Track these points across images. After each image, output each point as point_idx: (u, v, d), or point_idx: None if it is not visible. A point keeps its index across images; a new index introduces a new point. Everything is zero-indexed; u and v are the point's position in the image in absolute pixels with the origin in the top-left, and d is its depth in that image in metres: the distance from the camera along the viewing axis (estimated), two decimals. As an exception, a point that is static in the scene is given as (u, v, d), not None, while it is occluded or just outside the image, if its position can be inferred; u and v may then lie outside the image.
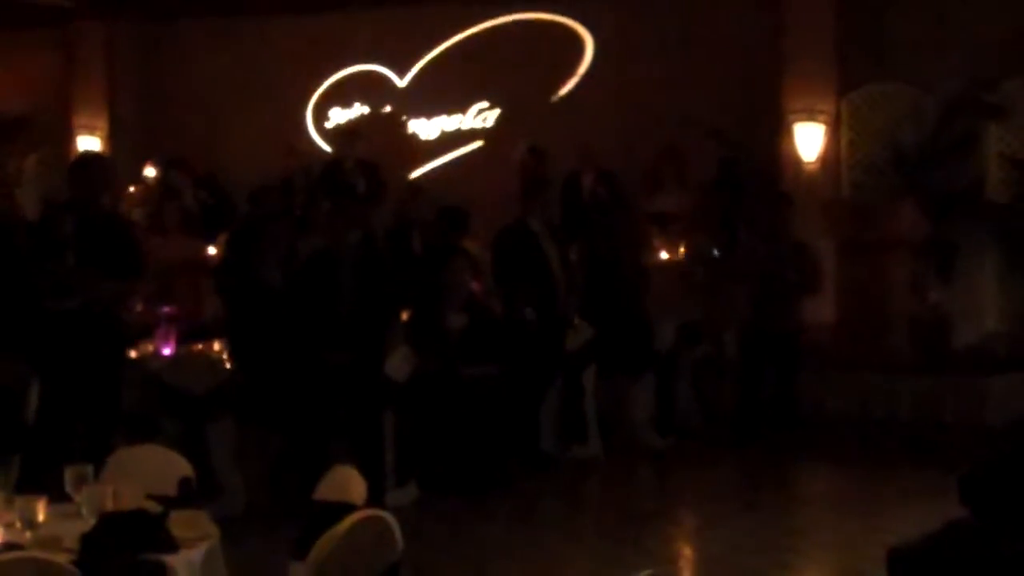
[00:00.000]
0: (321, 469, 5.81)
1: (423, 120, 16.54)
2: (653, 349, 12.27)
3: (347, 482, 5.64)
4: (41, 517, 4.99)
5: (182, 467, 5.83)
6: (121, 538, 4.81)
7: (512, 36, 16.18)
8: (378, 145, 15.44)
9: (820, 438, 12.46)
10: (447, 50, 16.49)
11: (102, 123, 17.51)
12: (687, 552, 9.02)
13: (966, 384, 12.49)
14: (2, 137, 16.62)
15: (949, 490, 6.17)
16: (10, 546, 4.83)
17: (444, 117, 16.50)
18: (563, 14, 15.95)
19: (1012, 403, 12.10)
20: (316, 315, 10.03)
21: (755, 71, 14.70)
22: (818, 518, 10.13)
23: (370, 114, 16.68)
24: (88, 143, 17.20)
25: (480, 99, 16.29)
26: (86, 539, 4.83)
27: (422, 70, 16.59)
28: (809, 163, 14.57)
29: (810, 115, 14.55)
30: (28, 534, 4.94)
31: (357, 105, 16.80)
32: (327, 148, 16.57)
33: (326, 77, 16.87)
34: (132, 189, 15.23)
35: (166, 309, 10.20)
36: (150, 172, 15.46)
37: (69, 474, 5.26)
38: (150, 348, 10.07)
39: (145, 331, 10.15)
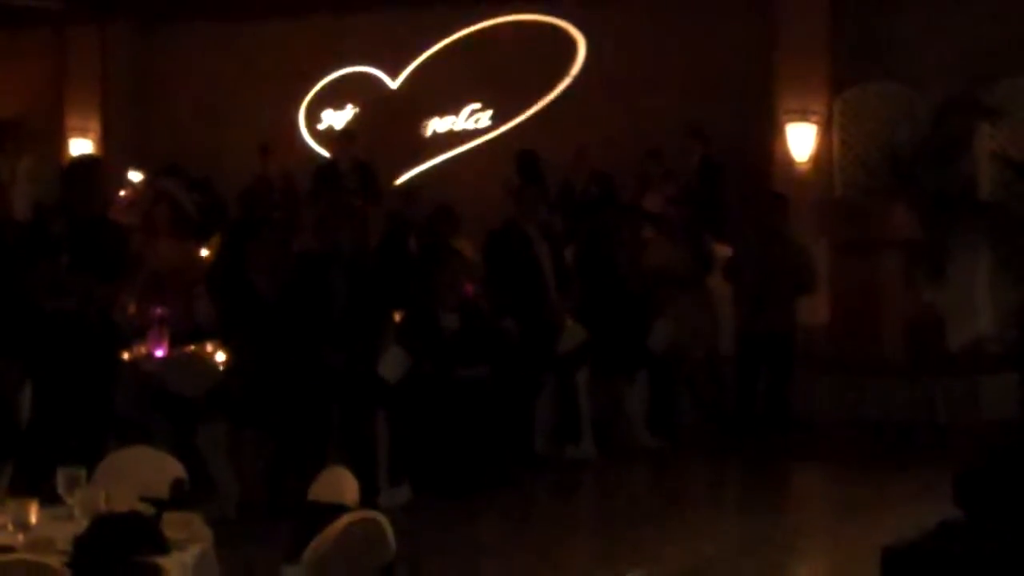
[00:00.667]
0: (314, 470, 5.81)
1: (424, 121, 16.55)
2: (647, 349, 12.26)
3: (340, 483, 5.63)
4: (33, 519, 4.98)
5: (175, 469, 5.82)
6: (114, 540, 4.81)
7: (504, 38, 16.19)
8: (375, 141, 15.47)
9: (814, 439, 12.46)
10: (439, 52, 16.49)
11: (95, 126, 17.52)
12: (681, 553, 9.00)
13: (959, 384, 12.49)
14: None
15: (943, 490, 6.17)
16: (2, 549, 4.82)
17: (436, 119, 16.50)
18: (554, 15, 15.96)
19: (1005, 403, 12.11)
20: (309, 316, 10.02)
21: (748, 71, 14.71)
22: (812, 518, 10.14)
23: (364, 111, 16.67)
24: (81, 146, 17.20)
25: (472, 100, 16.29)
26: (79, 541, 4.82)
27: (414, 72, 16.59)
28: (802, 163, 14.59)
29: (803, 115, 14.57)
30: (20, 536, 4.93)
31: (349, 107, 16.80)
32: (320, 150, 16.58)
33: (319, 79, 16.87)
34: (122, 193, 15.22)
35: (158, 311, 10.18)
36: (135, 176, 15.47)
37: (61, 476, 5.25)
38: (143, 350, 10.05)
39: (138, 333, 10.13)
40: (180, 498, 5.51)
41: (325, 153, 16.41)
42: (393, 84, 16.66)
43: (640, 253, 12.93)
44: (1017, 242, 13.51)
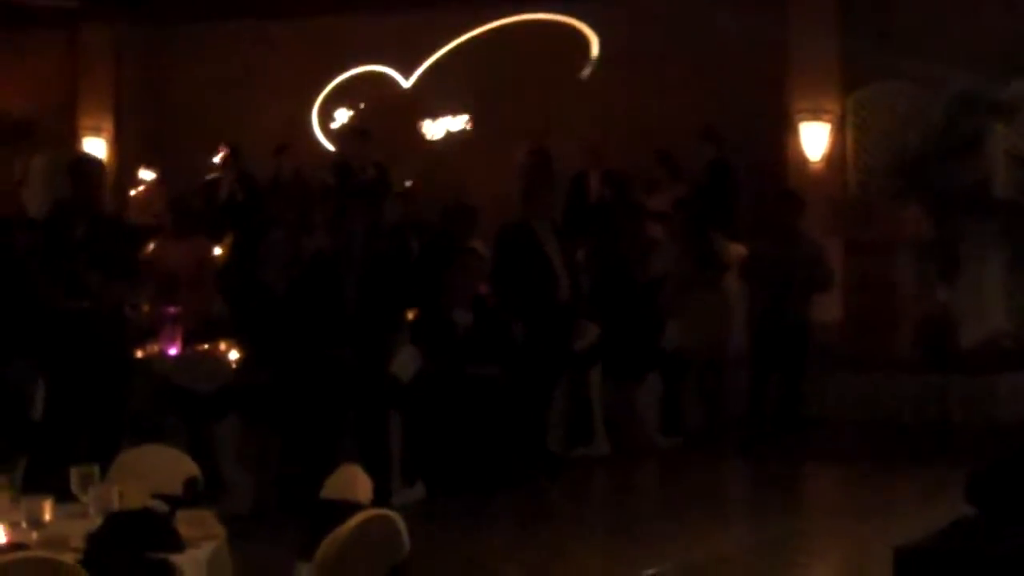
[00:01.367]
0: (327, 468, 5.81)
1: (428, 121, 16.53)
2: (660, 349, 12.25)
3: (353, 481, 5.63)
4: (47, 517, 4.99)
5: (188, 467, 5.83)
6: (128, 537, 4.81)
7: (518, 37, 16.17)
8: (387, 140, 15.48)
9: (826, 437, 12.45)
10: (452, 51, 16.48)
11: (108, 125, 17.53)
12: (694, 552, 9.00)
13: (973, 383, 12.47)
14: (8, 138, 16.63)
15: (956, 489, 6.15)
16: (16, 546, 4.83)
17: (449, 118, 16.49)
18: (568, 15, 15.94)
19: (1019, 402, 12.09)
20: (321, 313, 10.03)
21: (760, 70, 14.68)
22: (825, 517, 10.12)
23: (372, 109, 16.68)
24: (94, 145, 17.21)
25: (485, 100, 16.28)
26: (92, 538, 4.83)
27: (427, 71, 16.58)
28: (815, 162, 14.56)
29: (815, 114, 14.54)
30: (34, 534, 4.93)
31: (362, 106, 16.80)
32: (332, 148, 16.58)
33: (331, 78, 16.87)
34: (133, 193, 15.25)
35: (171, 309, 10.19)
36: (147, 175, 15.49)
37: (75, 474, 5.25)
38: (156, 348, 10.07)
39: (151, 331, 10.15)
40: (193, 495, 5.52)
41: (338, 151, 16.40)
42: (406, 83, 16.66)
43: (649, 253, 12.93)
44: (1030, 240, 13.50)
